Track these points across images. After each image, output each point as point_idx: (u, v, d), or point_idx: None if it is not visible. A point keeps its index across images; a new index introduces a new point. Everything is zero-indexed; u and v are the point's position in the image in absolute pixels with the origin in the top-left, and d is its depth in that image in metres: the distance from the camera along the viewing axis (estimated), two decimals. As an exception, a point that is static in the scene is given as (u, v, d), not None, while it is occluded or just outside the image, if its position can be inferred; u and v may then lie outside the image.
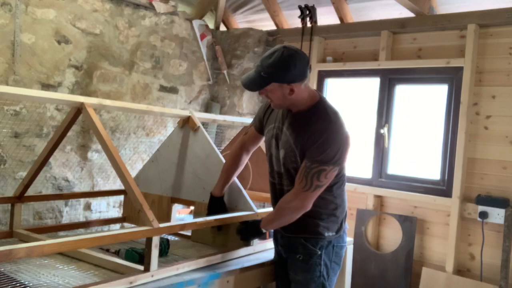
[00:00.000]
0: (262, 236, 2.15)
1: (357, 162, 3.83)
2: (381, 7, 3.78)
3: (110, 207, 3.73)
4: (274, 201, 2.13)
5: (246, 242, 2.25)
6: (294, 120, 2.01)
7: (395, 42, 3.74)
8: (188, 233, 2.54)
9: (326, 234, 2.02)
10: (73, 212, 3.47)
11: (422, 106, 3.69)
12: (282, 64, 1.88)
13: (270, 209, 2.27)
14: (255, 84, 1.95)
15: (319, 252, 2.01)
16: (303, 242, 2.02)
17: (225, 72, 4.38)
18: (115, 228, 3.20)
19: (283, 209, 1.99)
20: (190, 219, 2.71)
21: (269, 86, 1.92)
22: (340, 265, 2.11)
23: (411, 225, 3.50)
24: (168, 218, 2.51)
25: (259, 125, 2.25)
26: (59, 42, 3.29)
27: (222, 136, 4.33)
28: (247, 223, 2.16)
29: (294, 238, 2.05)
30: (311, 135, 1.92)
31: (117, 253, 2.09)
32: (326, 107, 1.99)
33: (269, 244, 2.35)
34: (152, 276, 1.82)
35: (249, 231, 2.14)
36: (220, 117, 2.88)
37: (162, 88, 4.04)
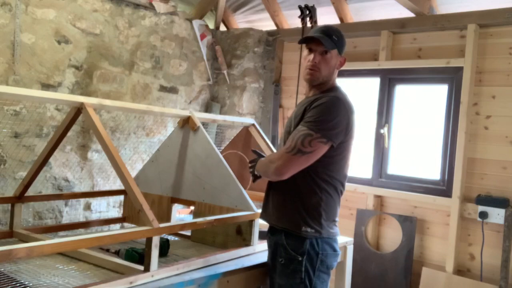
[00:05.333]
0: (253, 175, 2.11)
1: (357, 162, 3.83)
2: (381, 7, 3.78)
3: (110, 207, 3.73)
4: (267, 188, 2.12)
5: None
6: (306, 100, 2.06)
7: (395, 42, 3.74)
8: (188, 233, 2.55)
9: (304, 229, 1.94)
10: (73, 212, 3.47)
11: (422, 106, 3.69)
12: (344, 37, 2.06)
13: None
14: (327, 42, 1.99)
15: (300, 258, 1.95)
16: (284, 244, 1.98)
17: (225, 72, 4.38)
18: (115, 228, 3.21)
19: (268, 166, 1.97)
20: (190, 219, 2.71)
21: (333, 51, 2.02)
22: (329, 274, 2.03)
23: (411, 225, 3.50)
24: (168, 218, 2.52)
25: None
26: (59, 42, 3.29)
27: (222, 136, 4.33)
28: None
29: (277, 236, 2.02)
30: (312, 103, 1.95)
31: (117, 253, 2.09)
32: (338, 90, 2.06)
33: (269, 244, 2.35)
34: (152, 276, 1.82)
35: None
36: (220, 117, 2.88)
37: (162, 88, 4.04)
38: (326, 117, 1.89)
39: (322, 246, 1.97)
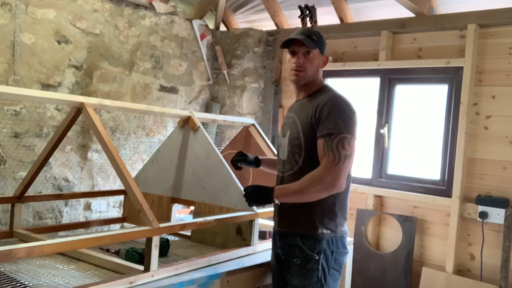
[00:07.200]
0: (269, 204, 2.03)
1: (357, 162, 3.82)
2: (381, 7, 3.78)
3: (110, 207, 3.73)
4: None
5: (251, 206, 2.14)
6: (300, 103, 2.11)
7: (395, 42, 3.74)
8: (188, 233, 2.55)
9: (320, 231, 1.96)
10: (73, 212, 3.47)
11: (422, 106, 3.69)
12: (323, 37, 2.10)
13: (271, 208, 2.26)
14: (309, 42, 2.01)
15: (317, 257, 1.95)
16: (300, 245, 1.98)
17: (225, 72, 4.38)
18: (115, 228, 3.21)
19: (311, 186, 1.88)
20: (190, 219, 2.71)
21: (315, 50, 2.04)
22: (341, 272, 2.05)
23: (411, 225, 3.50)
24: (168, 218, 2.52)
25: None
26: (59, 42, 3.29)
27: (222, 136, 4.33)
28: (258, 187, 2.02)
29: (291, 238, 2.01)
30: (316, 108, 1.97)
31: (117, 253, 2.09)
32: (331, 88, 2.10)
33: (269, 244, 2.34)
34: (152, 276, 1.82)
35: (259, 195, 2.00)
36: (220, 117, 2.88)
37: (162, 88, 4.03)
38: (345, 116, 1.94)
39: (336, 244, 2.00)
